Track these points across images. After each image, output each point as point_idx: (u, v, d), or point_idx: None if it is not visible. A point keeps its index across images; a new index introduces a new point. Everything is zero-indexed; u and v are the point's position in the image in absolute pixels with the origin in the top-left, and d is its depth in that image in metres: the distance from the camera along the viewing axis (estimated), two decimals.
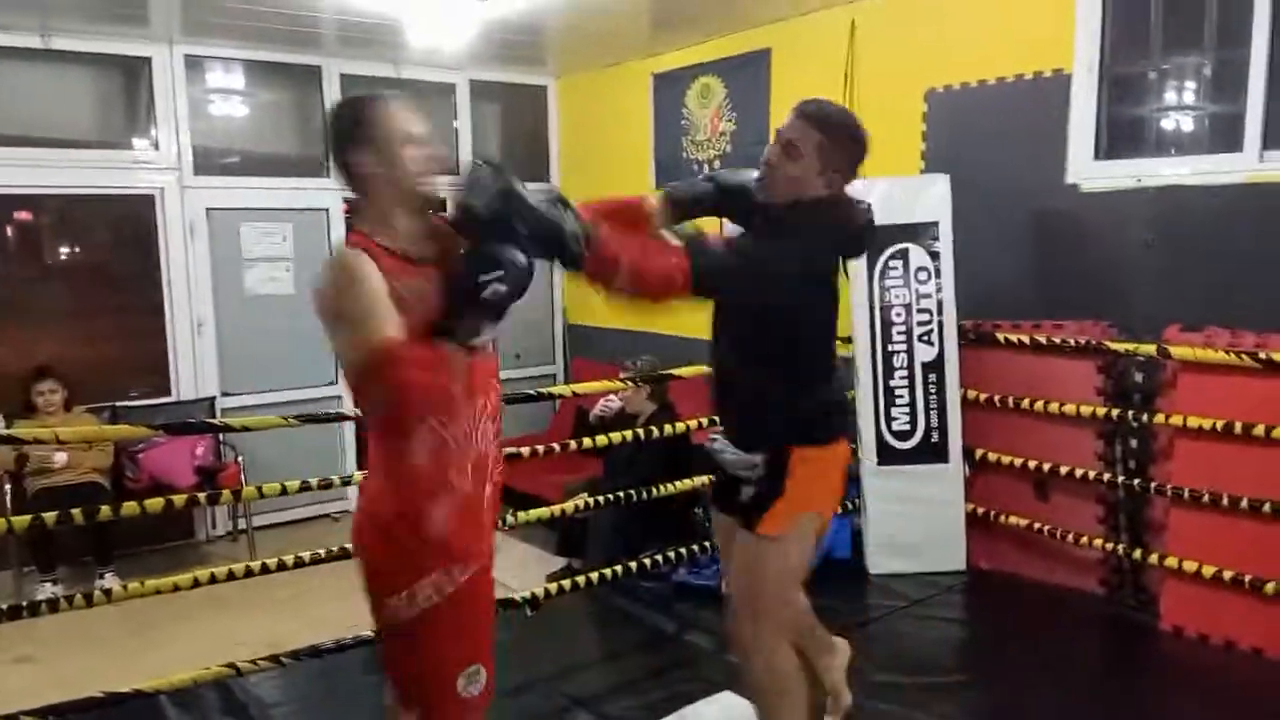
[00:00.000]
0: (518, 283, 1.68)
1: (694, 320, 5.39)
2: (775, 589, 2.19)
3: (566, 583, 3.50)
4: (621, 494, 3.63)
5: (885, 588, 3.75)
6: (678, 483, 3.71)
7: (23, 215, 5.10)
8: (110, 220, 5.35)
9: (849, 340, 3.97)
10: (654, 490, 3.66)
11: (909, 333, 3.82)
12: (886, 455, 3.86)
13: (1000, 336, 3.79)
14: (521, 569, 4.43)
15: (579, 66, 6.13)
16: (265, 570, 3.02)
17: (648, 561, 3.63)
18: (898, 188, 3.86)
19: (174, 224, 5.23)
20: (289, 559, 3.06)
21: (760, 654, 2.19)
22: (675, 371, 3.76)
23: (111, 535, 4.62)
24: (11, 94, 4.82)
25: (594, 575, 3.55)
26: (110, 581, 4.42)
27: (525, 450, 3.39)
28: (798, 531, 2.16)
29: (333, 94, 5.57)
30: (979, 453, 3.86)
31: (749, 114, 5.12)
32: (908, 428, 3.84)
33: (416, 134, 1.78)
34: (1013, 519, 3.79)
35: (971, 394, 3.85)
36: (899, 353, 3.83)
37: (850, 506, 4.03)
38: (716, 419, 2.34)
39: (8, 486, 4.58)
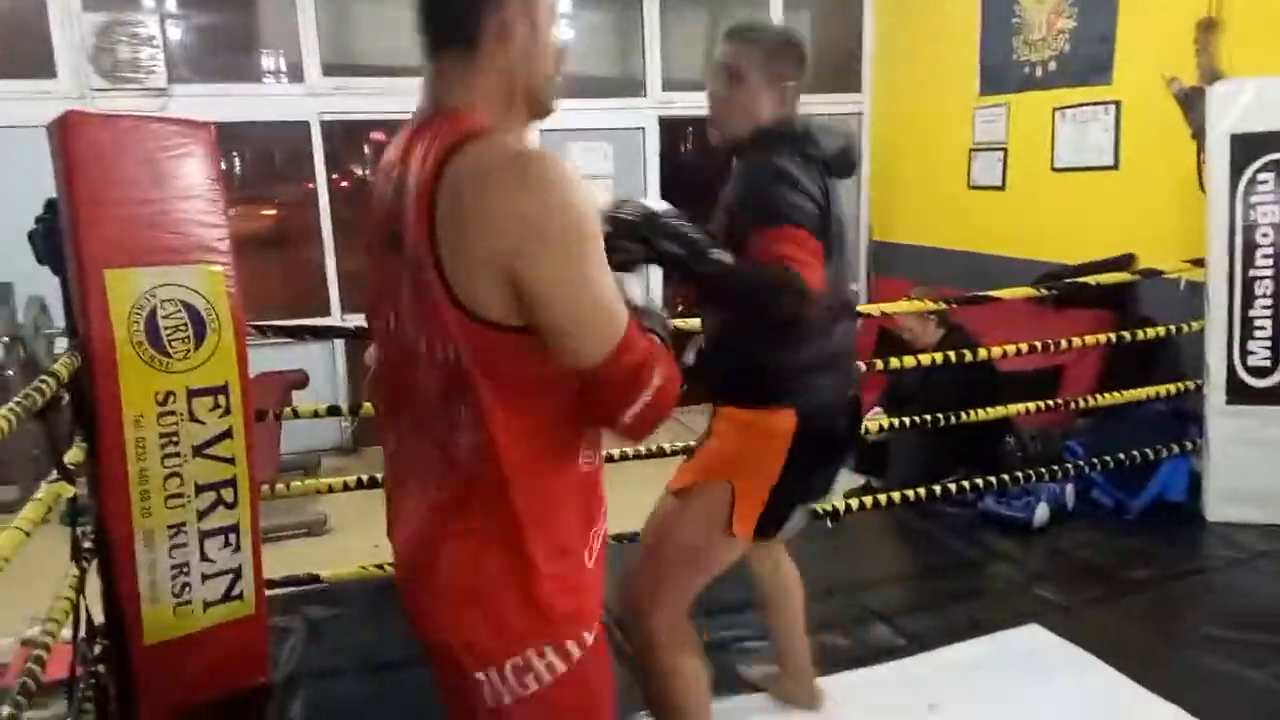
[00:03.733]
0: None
1: (1005, 237, 5.09)
2: (672, 553, 1.89)
3: (868, 499, 3.51)
4: (917, 419, 3.55)
5: (1225, 536, 3.40)
6: (982, 410, 3.58)
7: (378, 136, 5.77)
8: None
9: (1200, 263, 3.57)
10: (954, 416, 3.55)
11: (1278, 257, 3.35)
12: (1238, 393, 3.46)
13: None
14: None
15: None
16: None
17: (952, 487, 3.55)
18: (1270, 89, 3.35)
19: None
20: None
21: (659, 651, 1.86)
22: (994, 294, 3.58)
23: None
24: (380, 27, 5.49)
25: (895, 495, 3.54)
26: None
27: None
28: (702, 499, 1.86)
29: (652, 16, 5.74)
30: None
31: (1093, 8, 4.62)
32: (1268, 363, 3.41)
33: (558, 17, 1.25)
34: None
35: None
36: (1263, 279, 3.38)
37: (1190, 446, 3.67)
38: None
39: None
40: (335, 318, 5.40)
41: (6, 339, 4.12)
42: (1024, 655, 2.66)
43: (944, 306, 3.68)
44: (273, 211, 5.87)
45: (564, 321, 1.09)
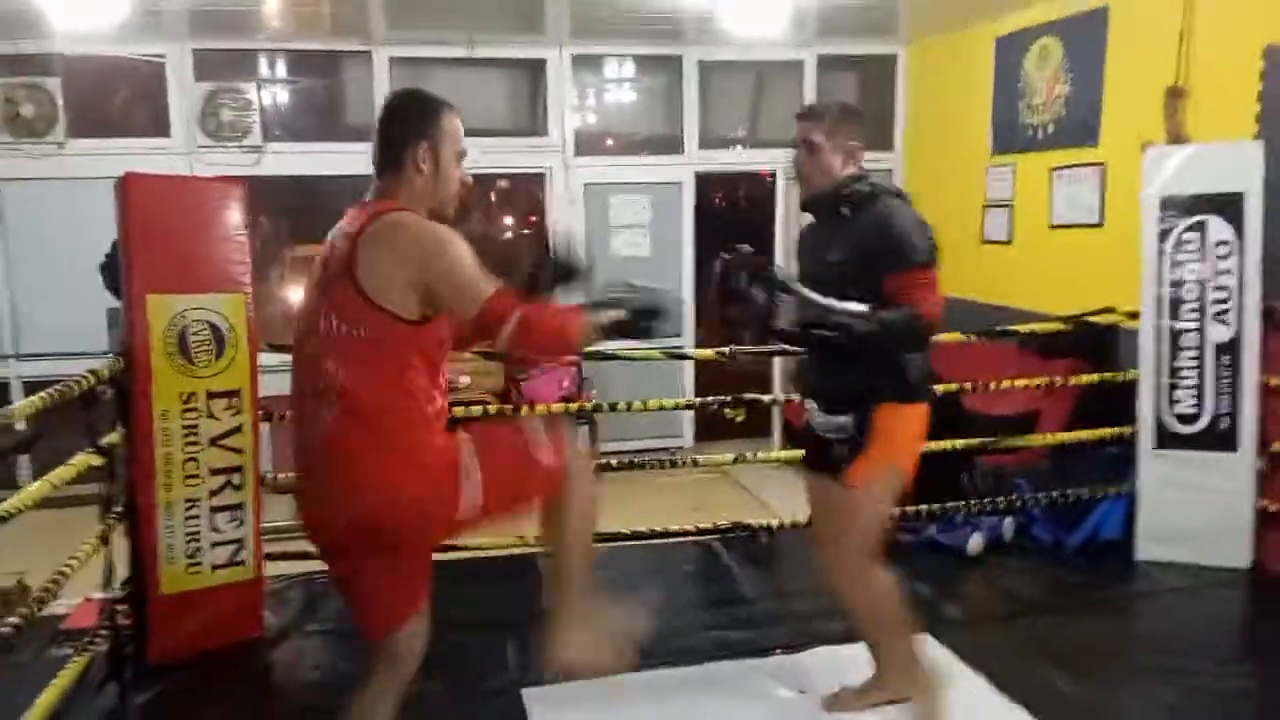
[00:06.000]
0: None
1: (1011, 290, 5.32)
2: (860, 534, 2.42)
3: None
4: None
5: (1148, 573, 3.61)
6: (940, 443, 3.88)
7: None
8: (509, 194, 6.59)
9: (1135, 315, 3.81)
10: None
11: (1202, 311, 3.58)
12: (1166, 439, 3.68)
13: None
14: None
15: (929, 30, 6.18)
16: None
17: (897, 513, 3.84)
18: (1198, 157, 3.61)
19: (559, 197, 6.32)
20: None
21: (853, 581, 2.44)
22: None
23: None
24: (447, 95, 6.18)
25: None
26: None
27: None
28: (885, 485, 2.40)
29: (692, 80, 6.28)
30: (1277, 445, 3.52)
31: (1085, 76, 4.91)
32: (1193, 411, 3.62)
33: (465, 153, 2.02)
34: None
35: (1273, 381, 3.51)
36: (1188, 332, 3.61)
37: (1126, 487, 3.88)
38: (806, 389, 2.54)
39: None
40: None
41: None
42: None
43: None
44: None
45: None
